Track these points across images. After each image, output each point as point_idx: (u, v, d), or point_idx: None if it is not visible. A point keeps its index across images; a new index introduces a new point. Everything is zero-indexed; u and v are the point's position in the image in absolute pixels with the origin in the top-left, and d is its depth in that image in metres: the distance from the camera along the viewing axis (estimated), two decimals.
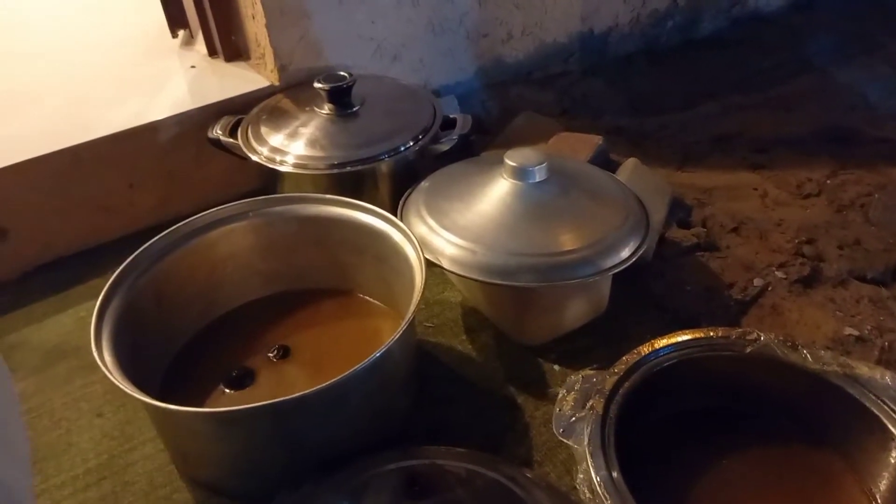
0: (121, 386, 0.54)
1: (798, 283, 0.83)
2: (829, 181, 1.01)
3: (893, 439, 0.52)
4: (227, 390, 0.69)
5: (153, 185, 0.92)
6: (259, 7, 0.89)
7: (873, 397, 0.54)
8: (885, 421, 0.53)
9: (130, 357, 0.62)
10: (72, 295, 0.86)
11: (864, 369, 0.55)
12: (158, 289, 0.69)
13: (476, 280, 0.69)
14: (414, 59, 1.05)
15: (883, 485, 0.54)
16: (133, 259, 0.66)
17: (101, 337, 0.60)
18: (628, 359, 0.58)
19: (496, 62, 1.15)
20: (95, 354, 0.57)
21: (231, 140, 0.87)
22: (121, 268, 0.65)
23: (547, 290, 0.70)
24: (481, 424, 0.68)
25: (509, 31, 1.13)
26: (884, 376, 0.55)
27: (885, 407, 0.53)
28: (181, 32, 1.06)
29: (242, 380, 0.70)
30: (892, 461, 0.52)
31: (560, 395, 0.56)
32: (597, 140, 0.96)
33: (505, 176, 0.74)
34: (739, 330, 0.60)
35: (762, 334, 0.59)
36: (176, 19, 1.04)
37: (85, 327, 0.77)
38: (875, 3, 1.53)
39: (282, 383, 0.71)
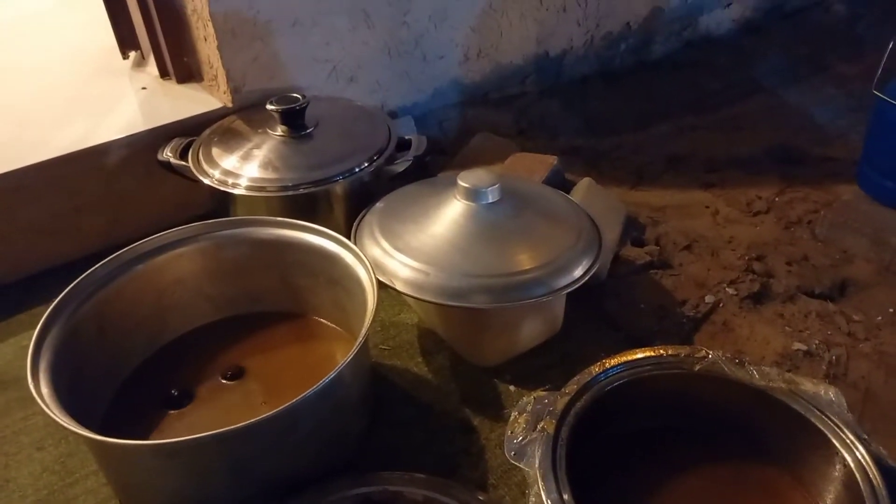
0: (57, 419, 0.52)
1: (748, 299, 0.84)
2: (777, 199, 1.03)
3: (837, 454, 0.53)
4: (169, 411, 0.68)
5: (101, 208, 0.90)
6: (211, 29, 0.88)
7: (818, 413, 0.55)
8: (829, 436, 0.54)
9: (72, 387, 0.60)
10: (13, 323, 0.83)
11: (808, 385, 0.56)
12: (101, 316, 0.67)
13: (430, 302, 0.68)
14: (370, 81, 1.05)
15: (829, 498, 0.54)
16: (73, 287, 0.65)
17: (38, 368, 0.58)
18: (580, 379, 0.58)
19: (453, 83, 1.15)
20: (31, 386, 0.55)
21: (181, 163, 0.86)
22: (60, 296, 0.63)
23: (501, 310, 0.70)
24: (437, 448, 0.68)
25: (465, 53, 1.14)
26: (828, 392, 0.56)
27: (829, 422, 0.54)
28: (132, 54, 1.05)
29: (181, 399, 0.69)
30: (837, 475, 0.53)
31: (512, 418, 0.56)
32: (552, 160, 0.97)
33: (458, 197, 0.74)
34: (688, 348, 0.60)
35: (710, 352, 0.59)
36: (127, 40, 1.03)
37: (26, 357, 0.75)
38: (823, 26, 1.59)
39: (228, 405, 0.69)
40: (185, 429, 0.66)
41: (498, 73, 1.20)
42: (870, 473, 0.50)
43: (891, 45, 0.95)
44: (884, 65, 0.95)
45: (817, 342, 0.78)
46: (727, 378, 0.58)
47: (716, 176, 1.09)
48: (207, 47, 0.92)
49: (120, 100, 0.97)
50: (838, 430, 0.53)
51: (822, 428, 0.54)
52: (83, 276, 0.66)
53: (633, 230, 0.95)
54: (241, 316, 0.78)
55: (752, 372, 0.58)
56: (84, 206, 0.89)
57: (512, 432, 0.54)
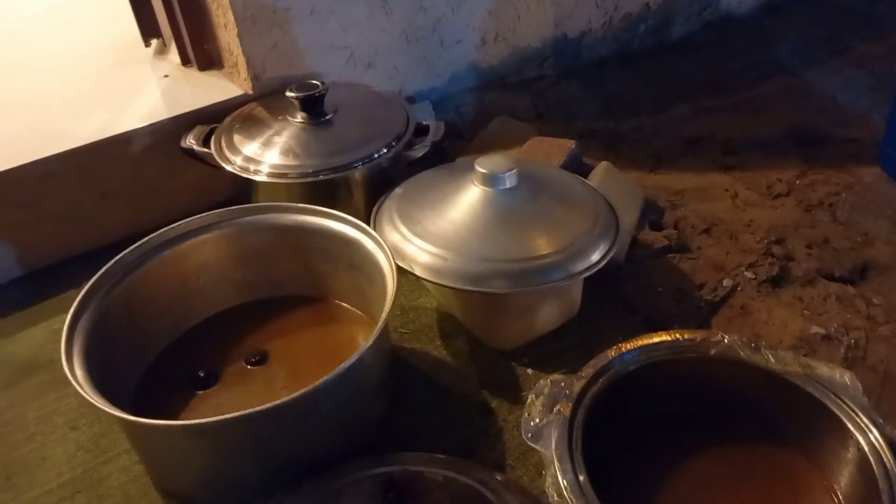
0: (91, 400, 0.54)
1: (767, 282, 0.84)
2: (798, 181, 1.02)
3: (851, 437, 0.53)
4: (196, 391, 0.70)
5: (126, 195, 0.92)
6: (230, 16, 0.89)
7: (833, 396, 0.55)
8: (844, 419, 0.54)
9: (103, 369, 0.63)
10: (44, 308, 0.85)
11: (823, 369, 0.57)
12: (130, 301, 0.69)
13: (448, 287, 0.69)
14: (388, 67, 1.06)
15: (843, 481, 0.55)
16: (104, 272, 0.66)
17: (72, 351, 0.60)
18: (596, 363, 0.59)
19: (470, 68, 1.15)
20: (66, 369, 0.57)
21: (204, 150, 0.87)
22: (91, 281, 0.65)
23: (519, 295, 0.71)
24: (456, 430, 0.69)
25: (483, 37, 1.14)
26: (843, 376, 0.56)
27: (844, 406, 0.54)
28: (154, 42, 1.06)
29: (207, 380, 0.71)
30: (851, 458, 0.54)
31: (529, 400, 0.57)
32: (569, 144, 0.98)
33: (476, 183, 0.75)
34: (704, 332, 0.61)
35: (726, 336, 0.60)
36: (148, 28, 1.04)
37: (58, 340, 0.77)
38: (843, 5, 1.56)
39: (252, 387, 0.71)
40: (211, 410, 0.69)
41: (515, 56, 1.20)
42: (883, 456, 0.51)
43: None
44: None
45: (836, 326, 0.78)
46: (743, 362, 0.59)
47: (735, 158, 1.09)
48: (228, 35, 0.93)
49: (143, 88, 0.98)
50: (853, 414, 0.54)
51: (837, 411, 0.54)
52: (112, 261, 0.68)
53: (651, 214, 0.95)
54: (264, 300, 0.80)
55: (768, 356, 0.58)
56: (109, 194, 0.91)
57: (529, 415, 0.56)
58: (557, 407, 0.55)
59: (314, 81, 0.86)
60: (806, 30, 1.46)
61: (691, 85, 1.28)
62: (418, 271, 0.70)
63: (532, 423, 0.55)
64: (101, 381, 0.60)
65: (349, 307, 0.78)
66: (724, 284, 0.84)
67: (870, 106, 1.20)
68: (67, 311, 0.63)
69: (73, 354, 0.60)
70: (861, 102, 1.22)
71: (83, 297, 0.64)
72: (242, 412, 0.53)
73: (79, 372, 0.59)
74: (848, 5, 1.56)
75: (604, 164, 0.95)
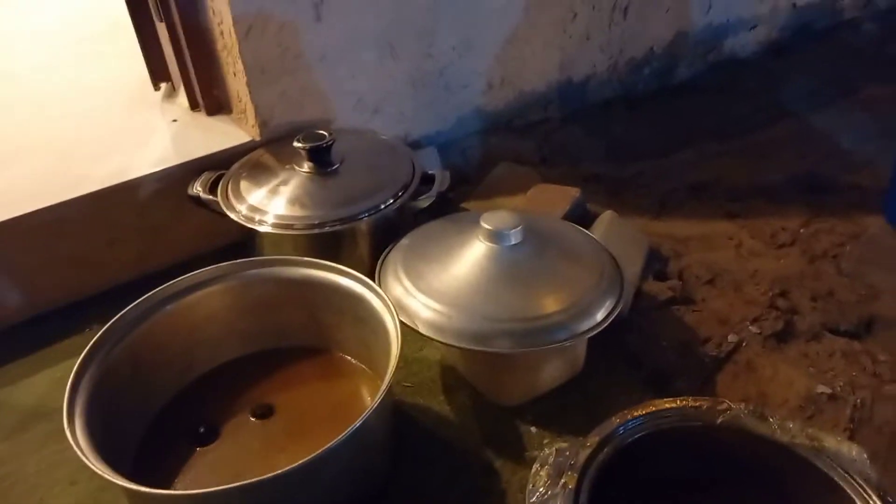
0: (92, 466, 0.55)
1: (772, 337, 0.84)
2: (802, 230, 1.02)
3: None
4: (198, 447, 0.70)
5: (133, 240, 0.93)
6: (240, 65, 0.90)
7: (841, 471, 0.54)
8: (853, 495, 0.53)
9: (105, 426, 0.62)
10: (49, 354, 0.85)
11: (831, 441, 0.56)
12: (135, 355, 0.69)
13: (451, 345, 0.69)
14: (395, 112, 1.07)
15: None
16: (107, 329, 0.67)
17: (73, 410, 0.60)
18: (601, 430, 0.59)
19: (476, 112, 1.16)
20: (67, 431, 0.58)
21: (210, 197, 0.88)
22: (95, 338, 0.65)
23: (523, 354, 0.71)
24: (459, 487, 0.69)
25: (489, 82, 1.15)
26: (850, 450, 0.55)
27: (852, 481, 0.54)
28: (163, 85, 1.07)
29: (208, 435, 0.71)
30: None
31: (534, 470, 0.56)
32: (574, 193, 0.98)
33: (481, 238, 0.75)
34: (710, 400, 0.60)
35: (733, 404, 0.59)
36: (158, 73, 1.05)
37: (61, 388, 0.77)
38: (851, 47, 1.57)
39: (256, 443, 0.71)
40: (212, 467, 0.68)
41: (521, 100, 1.21)
42: None
43: None
44: None
45: (842, 384, 0.78)
46: (749, 432, 0.58)
47: (740, 205, 1.09)
48: (237, 82, 0.94)
49: (152, 132, 0.99)
50: (862, 491, 0.53)
51: (846, 487, 0.54)
52: (116, 317, 0.68)
53: (655, 263, 0.95)
54: (268, 351, 0.80)
55: (775, 426, 0.58)
56: (117, 238, 0.92)
57: (534, 485, 0.55)
58: (563, 479, 0.54)
59: (322, 132, 0.87)
60: (812, 72, 1.47)
61: (696, 129, 1.29)
62: (422, 328, 0.70)
63: (537, 495, 0.54)
64: (103, 438, 0.60)
65: (353, 360, 0.78)
66: (730, 339, 0.83)
67: (876, 151, 1.20)
68: (73, 357, 0.63)
69: (74, 414, 0.60)
70: (867, 147, 1.23)
71: (86, 355, 0.64)
72: (246, 482, 0.52)
73: (80, 432, 0.59)
74: (856, 46, 1.57)
75: (608, 213, 0.96)
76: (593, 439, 0.58)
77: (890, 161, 1.02)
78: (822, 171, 1.16)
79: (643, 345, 0.83)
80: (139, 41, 1.02)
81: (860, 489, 0.53)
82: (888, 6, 1.65)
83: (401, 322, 0.67)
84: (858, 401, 0.76)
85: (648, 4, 1.26)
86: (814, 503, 0.56)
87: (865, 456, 0.56)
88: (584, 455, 0.56)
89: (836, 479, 0.54)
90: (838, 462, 0.55)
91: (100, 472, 0.54)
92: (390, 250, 0.80)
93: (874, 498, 0.53)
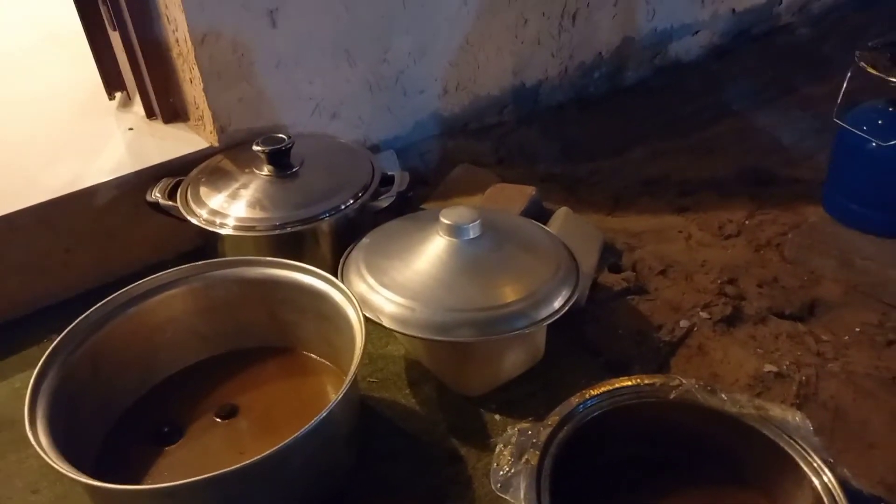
0: (56, 466, 0.54)
1: (721, 322, 0.87)
2: (747, 221, 1.07)
3: (806, 477, 0.56)
4: (162, 448, 0.69)
5: (90, 247, 0.92)
6: (196, 72, 0.91)
7: (787, 438, 0.58)
8: (798, 459, 0.57)
9: (67, 429, 0.62)
10: (6, 365, 0.84)
11: (777, 410, 0.59)
12: (95, 358, 0.69)
13: (415, 337, 0.71)
14: (353, 117, 1.08)
15: None
16: (67, 333, 0.66)
17: (35, 414, 0.60)
18: (561, 410, 0.61)
19: (433, 116, 1.19)
20: (30, 434, 0.57)
21: (170, 203, 0.88)
22: (54, 343, 0.65)
23: (485, 343, 0.73)
24: (425, 478, 0.70)
25: (445, 87, 1.17)
26: (795, 417, 0.59)
27: (798, 446, 0.57)
28: (118, 94, 1.07)
29: (172, 435, 0.71)
30: (807, 498, 0.56)
31: (497, 450, 0.58)
32: (530, 191, 1.01)
33: (441, 233, 0.77)
34: (663, 377, 0.63)
35: (684, 380, 0.62)
36: (112, 81, 1.05)
37: (19, 399, 0.76)
38: (789, 49, 1.64)
39: (221, 442, 0.71)
40: (176, 466, 0.68)
41: (476, 104, 1.23)
42: (836, 496, 0.53)
43: (849, 74, 1.00)
44: (844, 91, 0.99)
45: (788, 363, 0.81)
46: (701, 405, 0.61)
47: (689, 199, 1.13)
48: (193, 89, 0.95)
49: (108, 141, 0.99)
50: (806, 455, 0.56)
51: (792, 453, 0.57)
52: (76, 321, 0.68)
53: (610, 256, 0.99)
54: (232, 352, 0.80)
55: (724, 398, 0.61)
56: (73, 246, 0.91)
57: (497, 464, 0.57)
58: (525, 456, 0.56)
59: (280, 135, 0.88)
60: (753, 73, 1.54)
61: (646, 128, 1.34)
62: (385, 322, 0.72)
63: (501, 473, 0.56)
64: (66, 441, 0.60)
65: (318, 358, 0.78)
66: (681, 325, 0.87)
67: (815, 147, 1.26)
68: (30, 369, 0.63)
69: (36, 419, 0.60)
70: (806, 143, 1.29)
71: (46, 359, 0.64)
72: (213, 473, 0.53)
73: (42, 437, 0.58)
74: (793, 48, 1.65)
75: (563, 209, 0.99)
76: (553, 418, 0.60)
77: (827, 155, 1.08)
78: (765, 165, 1.21)
79: (601, 333, 0.86)
80: (92, 50, 1.02)
81: (804, 452, 0.57)
82: (820, 11, 1.74)
83: (365, 317, 0.69)
84: (804, 378, 0.80)
85: (596, 11, 1.31)
86: (762, 469, 0.59)
87: (809, 423, 0.59)
88: (545, 434, 0.58)
89: (781, 444, 0.58)
90: (784, 429, 0.58)
91: (64, 472, 0.54)
92: (352, 249, 0.81)
93: (817, 460, 0.56)
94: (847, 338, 0.86)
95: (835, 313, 0.90)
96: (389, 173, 0.94)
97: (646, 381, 0.63)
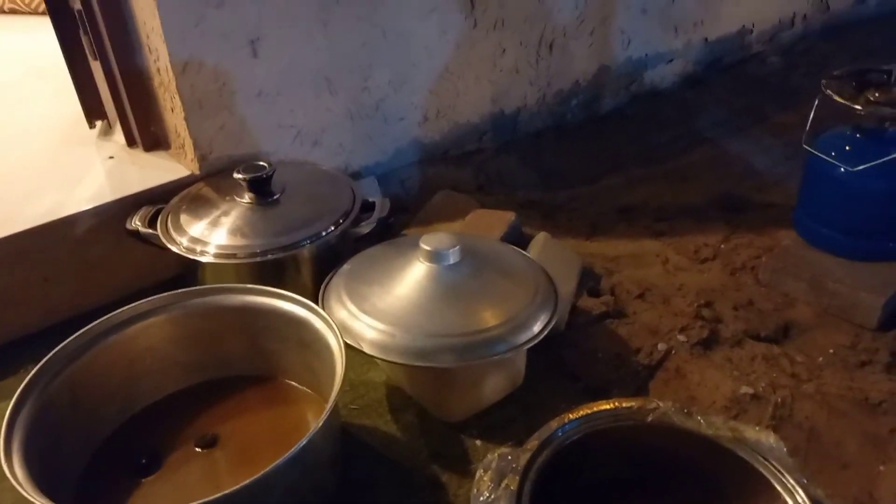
0: (32, 500, 0.53)
1: (698, 345, 0.89)
2: (723, 246, 1.09)
3: (780, 497, 0.57)
4: (141, 479, 0.69)
5: (70, 276, 0.91)
6: (178, 101, 0.92)
7: (761, 459, 0.59)
8: (772, 480, 0.57)
9: (45, 461, 0.61)
10: None
11: (751, 432, 0.60)
12: (74, 388, 0.69)
13: (396, 363, 0.71)
14: (334, 144, 1.09)
15: None
16: (45, 362, 0.66)
17: (11, 447, 0.59)
18: (540, 434, 0.61)
19: (413, 143, 1.20)
20: (5, 466, 0.56)
21: (150, 231, 0.88)
22: (32, 373, 0.65)
23: (465, 368, 0.73)
24: None
25: (425, 115, 1.19)
26: (769, 438, 0.60)
27: (772, 467, 0.58)
28: (98, 123, 1.07)
29: (150, 466, 0.70)
30: None
31: (478, 476, 0.58)
32: (510, 217, 1.02)
33: (421, 259, 0.78)
34: (641, 400, 0.64)
35: (661, 403, 0.63)
36: (93, 110, 1.05)
37: None
38: (760, 77, 1.69)
39: (201, 472, 0.70)
40: (157, 498, 0.68)
41: (456, 131, 1.25)
42: None
43: (816, 102, 1.03)
44: (812, 118, 1.02)
45: (763, 385, 0.83)
46: (677, 428, 0.62)
47: (665, 225, 1.15)
48: (174, 117, 0.95)
49: (88, 169, 0.99)
50: (780, 475, 0.57)
51: (766, 473, 0.58)
52: (54, 350, 0.67)
53: (589, 280, 1.00)
54: (213, 381, 0.80)
55: (700, 421, 0.62)
56: (52, 276, 0.90)
57: (478, 490, 0.57)
58: (505, 481, 0.57)
59: (261, 163, 0.89)
60: (725, 101, 1.58)
61: (623, 155, 1.36)
62: (366, 348, 0.72)
63: (481, 499, 0.56)
64: (42, 473, 0.59)
65: (299, 386, 0.78)
66: (659, 348, 0.88)
67: (786, 173, 1.29)
68: (6, 400, 0.62)
69: (11, 450, 0.59)
70: (778, 169, 1.32)
71: (23, 389, 0.63)
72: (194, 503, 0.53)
73: (18, 471, 0.58)
74: (764, 77, 1.70)
75: (542, 234, 1.00)
76: (533, 443, 0.60)
77: (798, 180, 1.11)
78: (738, 191, 1.24)
79: (580, 358, 0.87)
80: (73, 80, 1.02)
81: (778, 473, 0.58)
82: (790, 41, 1.80)
83: (345, 343, 0.69)
84: (779, 399, 0.81)
85: (572, 40, 1.34)
86: (738, 489, 0.60)
87: (783, 444, 0.60)
88: (524, 458, 0.59)
89: (756, 465, 0.59)
90: (758, 450, 0.59)
91: None
92: (333, 275, 0.82)
93: (791, 481, 0.57)
94: (821, 359, 0.87)
95: (808, 335, 0.92)
96: (370, 200, 0.95)
97: (624, 405, 0.64)
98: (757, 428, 0.61)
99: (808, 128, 1.01)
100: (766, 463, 0.58)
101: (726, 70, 1.69)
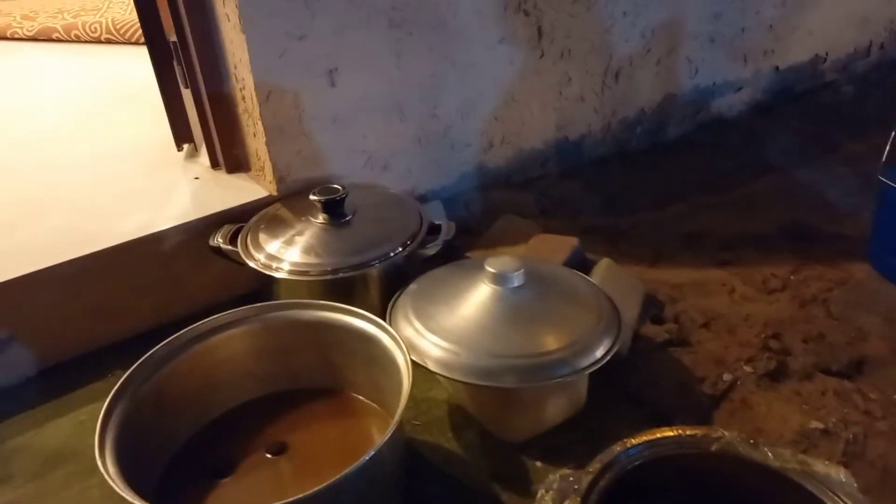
0: (123, 494, 0.57)
1: (766, 376, 0.87)
2: (792, 277, 1.07)
3: None
4: (217, 481, 0.72)
5: (154, 289, 0.97)
6: (260, 126, 0.97)
7: (830, 493, 0.58)
8: None
9: (132, 461, 0.65)
10: (72, 399, 0.88)
11: (820, 466, 0.59)
12: (159, 393, 0.73)
13: (459, 381, 0.73)
14: (402, 168, 1.13)
15: None
16: (137, 367, 0.70)
17: (104, 444, 0.63)
18: (603, 458, 0.62)
19: (479, 168, 1.23)
20: (99, 462, 0.61)
21: (231, 248, 0.93)
22: (125, 376, 0.69)
23: (527, 389, 0.74)
24: None
25: (490, 141, 1.22)
26: (839, 473, 0.59)
27: (842, 502, 0.57)
28: (185, 146, 1.14)
29: (225, 470, 0.74)
30: None
31: (539, 495, 0.59)
32: (573, 241, 1.03)
33: (486, 281, 0.80)
34: (705, 428, 0.64)
35: (726, 432, 0.63)
36: (181, 134, 1.13)
37: (84, 431, 0.80)
38: (831, 106, 1.65)
39: (272, 479, 0.74)
40: (231, 500, 0.71)
41: (520, 157, 1.28)
42: None
43: (894, 133, 1.01)
44: (889, 149, 1.00)
45: (834, 421, 0.81)
46: (743, 458, 0.61)
47: (731, 254, 1.14)
48: (256, 142, 1.01)
49: (175, 189, 1.06)
50: None
51: None
52: (145, 356, 0.72)
53: (652, 308, 1.00)
54: (284, 392, 0.83)
55: (767, 452, 0.61)
56: (140, 288, 0.96)
57: None
58: (566, 502, 0.57)
59: (335, 186, 0.93)
60: (795, 130, 1.55)
61: (688, 183, 1.35)
62: (431, 366, 0.74)
63: None
64: (130, 472, 0.63)
65: (365, 400, 0.81)
66: (725, 378, 0.87)
67: (858, 203, 1.26)
68: (94, 402, 0.67)
69: (105, 448, 0.63)
70: (850, 200, 1.29)
71: (117, 391, 0.68)
72: None
73: (110, 465, 0.62)
74: (836, 106, 1.66)
75: (605, 260, 1.01)
76: (595, 465, 0.61)
77: (871, 212, 1.08)
78: (808, 221, 1.21)
79: (643, 384, 0.87)
80: (165, 105, 1.10)
81: None
82: (865, 70, 1.75)
83: (411, 360, 0.71)
84: (851, 436, 0.79)
85: (638, 69, 1.35)
86: None
87: (853, 480, 0.59)
88: (586, 480, 0.60)
89: (825, 500, 0.57)
90: (827, 485, 0.58)
91: (130, 500, 0.57)
92: (400, 294, 0.84)
93: None
94: None
95: (883, 371, 0.89)
96: (437, 223, 0.98)
97: (688, 433, 0.64)
98: (827, 462, 0.60)
99: (883, 159, 0.99)
100: (836, 498, 0.57)
101: (797, 99, 1.66)
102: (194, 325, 0.76)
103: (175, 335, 0.75)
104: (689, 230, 1.21)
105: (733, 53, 1.49)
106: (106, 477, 0.60)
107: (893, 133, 1.00)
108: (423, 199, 1.17)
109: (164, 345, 0.74)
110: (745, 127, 1.56)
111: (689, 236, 1.19)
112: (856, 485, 0.58)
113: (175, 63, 1.04)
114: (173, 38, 1.00)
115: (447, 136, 1.16)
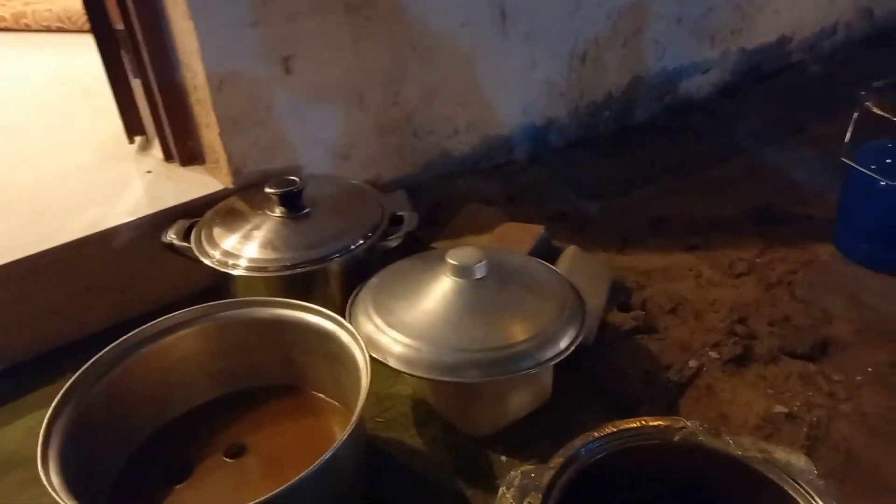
0: None
1: (731, 362, 0.87)
2: (758, 260, 1.07)
3: None
4: (174, 486, 0.70)
5: (109, 288, 0.94)
6: (213, 117, 0.94)
7: (791, 481, 0.57)
8: (801, 502, 0.56)
9: (80, 468, 0.63)
10: (25, 403, 0.86)
11: (781, 454, 0.59)
12: (110, 397, 0.70)
13: (422, 378, 0.71)
14: (364, 158, 1.11)
15: None
16: (82, 372, 0.68)
17: (47, 453, 0.61)
18: (565, 451, 0.61)
19: (443, 156, 1.21)
20: (42, 473, 0.58)
21: (184, 244, 0.90)
22: (69, 382, 0.67)
23: (491, 383, 0.73)
24: None
25: (455, 128, 1.20)
26: (799, 460, 0.58)
27: (802, 490, 0.56)
28: (138, 138, 1.11)
29: (181, 474, 0.71)
30: None
31: (500, 493, 0.58)
32: (539, 230, 1.02)
33: (448, 274, 0.78)
34: (668, 419, 0.63)
35: (688, 422, 0.62)
36: (133, 126, 1.09)
37: (35, 437, 0.77)
38: (799, 88, 1.66)
39: (229, 482, 0.72)
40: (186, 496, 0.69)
41: (486, 144, 1.26)
42: None
43: (856, 114, 1.00)
44: (852, 130, 1.00)
45: (798, 404, 0.81)
46: (705, 448, 0.61)
47: (699, 238, 1.13)
48: (210, 133, 0.98)
49: (127, 184, 1.02)
50: (810, 499, 0.56)
51: (796, 496, 0.56)
52: (91, 360, 0.69)
53: (619, 295, 0.99)
54: (242, 391, 0.81)
55: (728, 441, 0.60)
56: (94, 287, 0.93)
57: None
58: (528, 499, 0.56)
59: (292, 177, 0.90)
60: (762, 112, 1.55)
61: (655, 167, 1.35)
62: (392, 363, 0.72)
63: None
64: (78, 479, 0.61)
65: (325, 398, 0.79)
66: (690, 365, 0.86)
67: (825, 185, 1.26)
68: (43, 408, 0.64)
69: (48, 457, 0.61)
70: (816, 181, 1.29)
71: (61, 398, 0.65)
72: None
73: (54, 475, 0.60)
74: (803, 87, 1.66)
75: (571, 248, 0.99)
76: (557, 460, 0.60)
77: (837, 193, 1.08)
78: (775, 204, 1.21)
79: (609, 373, 0.86)
80: (114, 97, 1.06)
81: (808, 496, 0.56)
82: (831, 50, 1.76)
83: (372, 357, 0.70)
84: (815, 419, 0.79)
85: (605, 51, 1.33)
86: None
87: (814, 466, 0.59)
88: (548, 476, 0.58)
89: (786, 488, 0.57)
90: (788, 472, 0.58)
91: None
92: (360, 289, 0.82)
93: None
94: (859, 378, 0.85)
95: (847, 353, 0.89)
96: (399, 213, 0.96)
97: (650, 424, 0.63)
98: (787, 449, 0.59)
99: (847, 140, 0.99)
100: (797, 485, 0.57)
101: (764, 79, 1.66)
102: (145, 326, 0.74)
103: (124, 337, 0.72)
104: (656, 215, 1.20)
105: (700, 34, 1.48)
106: (48, 488, 0.57)
107: (855, 114, 1.00)
108: (386, 188, 1.14)
109: (113, 347, 0.71)
110: (712, 109, 1.55)
111: (657, 221, 1.19)
112: (815, 472, 0.58)
113: (123, 52, 1.00)
114: (120, 25, 0.96)
115: (410, 124, 1.14)
